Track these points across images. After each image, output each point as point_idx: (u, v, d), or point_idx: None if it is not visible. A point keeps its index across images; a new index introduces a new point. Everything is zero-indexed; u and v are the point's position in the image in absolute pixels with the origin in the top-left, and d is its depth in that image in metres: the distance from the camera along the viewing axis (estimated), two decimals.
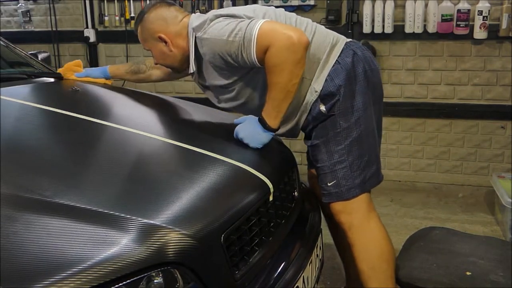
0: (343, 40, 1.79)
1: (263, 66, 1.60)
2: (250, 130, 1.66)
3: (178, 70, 1.92)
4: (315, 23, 1.81)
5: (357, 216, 1.75)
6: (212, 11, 1.75)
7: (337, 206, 1.76)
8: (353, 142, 1.72)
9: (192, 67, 1.80)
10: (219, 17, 1.67)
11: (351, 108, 1.71)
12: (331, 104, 1.70)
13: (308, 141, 1.80)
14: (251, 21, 1.60)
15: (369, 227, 1.77)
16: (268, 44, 1.55)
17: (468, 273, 1.78)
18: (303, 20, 1.80)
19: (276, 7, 3.76)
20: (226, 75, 1.73)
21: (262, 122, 1.66)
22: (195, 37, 1.73)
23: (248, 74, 1.72)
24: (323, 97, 1.71)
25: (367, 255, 1.76)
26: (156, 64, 1.92)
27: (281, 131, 1.82)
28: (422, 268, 1.82)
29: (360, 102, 1.71)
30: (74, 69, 2.22)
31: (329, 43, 1.74)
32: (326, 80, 1.70)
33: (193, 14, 1.81)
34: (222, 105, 1.88)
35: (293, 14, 1.82)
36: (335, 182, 1.73)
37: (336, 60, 1.72)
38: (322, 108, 1.71)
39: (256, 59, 1.59)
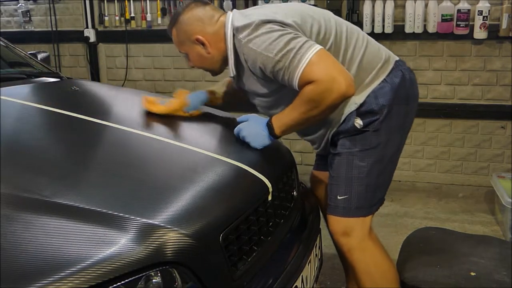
0: (393, 57, 1.74)
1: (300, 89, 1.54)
2: (254, 131, 1.63)
3: (216, 73, 1.79)
4: (364, 33, 1.74)
5: (357, 237, 1.69)
6: (255, 11, 1.65)
7: (338, 227, 1.70)
8: (376, 163, 1.67)
9: (232, 71, 1.68)
10: (266, 23, 1.55)
11: (386, 129, 1.66)
12: (369, 121, 1.64)
13: (331, 147, 1.74)
14: (303, 44, 1.50)
15: (368, 249, 1.71)
16: (315, 79, 1.48)
17: (472, 274, 1.77)
18: (353, 29, 1.71)
19: None
20: (263, 84, 1.66)
21: (269, 127, 1.62)
22: (236, 38, 1.62)
23: (284, 87, 1.62)
24: (362, 112, 1.64)
25: (369, 277, 1.71)
26: (192, 67, 1.80)
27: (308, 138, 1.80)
28: (426, 270, 1.81)
29: (395, 125, 1.67)
30: (183, 104, 1.85)
31: (381, 59, 1.69)
32: (369, 95, 1.64)
33: (230, 11, 1.70)
34: (260, 111, 1.81)
35: (345, 21, 1.73)
36: (347, 197, 1.67)
37: (384, 78, 1.67)
38: (359, 122, 1.64)
39: (297, 85, 1.52)
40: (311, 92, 1.49)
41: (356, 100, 1.64)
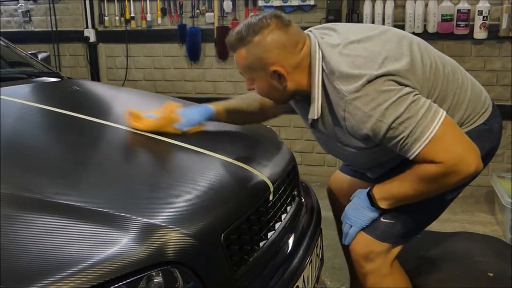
0: (490, 99, 1.58)
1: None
2: (353, 208, 1.52)
3: (280, 103, 1.56)
4: (463, 69, 1.56)
5: (378, 263, 1.54)
6: (356, 49, 1.37)
7: (362, 249, 1.54)
8: (434, 201, 1.49)
9: (318, 112, 1.45)
10: (380, 79, 1.31)
11: None
12: None
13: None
14: (425, 112, 1.29)
15: (387, 276, 1.56)
16: (440, 161, 1.30)
17: (490, 274, 1.75)
18: (455, 67, 1.52)
19: (276, 7, 3.75)
20: (356, 141, 1.45)
21: (370, 198, 1.47)
22: (331, 82, 1.38)
23: (377, 146, 1.44)
24: None
25: None
26: (250, 90, 1.54)
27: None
28: (449, 279, 1.75)
29: None
30: (173, 118, 1.62)
31: (485, 103, 1.54)
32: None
33: (313, 36, 1.44)
34: (331, 154, 1.66)
35: (444, 56, 1.54)
36: (392, 222, 1.50)
37: (484, 122, 1.51)
38: None
39: (412, 158, 1.33)
40: (433, 173, 1.33)
41: None
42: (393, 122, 1.30)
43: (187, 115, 1.64)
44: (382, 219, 1.51)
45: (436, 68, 1.44)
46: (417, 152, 1.31)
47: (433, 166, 1.32)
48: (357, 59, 1.35)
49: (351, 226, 1.54)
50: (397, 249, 1.57)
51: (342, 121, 1.39)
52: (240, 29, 1.42)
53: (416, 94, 1.33)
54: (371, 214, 1.50)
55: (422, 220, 1.58)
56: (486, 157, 1.53)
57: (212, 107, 1.69)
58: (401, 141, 1.32)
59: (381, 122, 1.30)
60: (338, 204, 1.90)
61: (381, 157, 1.52)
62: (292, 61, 1.41)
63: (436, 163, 1.31)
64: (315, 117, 1.46)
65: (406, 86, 1.34)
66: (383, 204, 1.47)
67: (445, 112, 1.33)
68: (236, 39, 1.42)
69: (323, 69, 1.40)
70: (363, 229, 1.54)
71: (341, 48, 1.39)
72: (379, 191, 1.47)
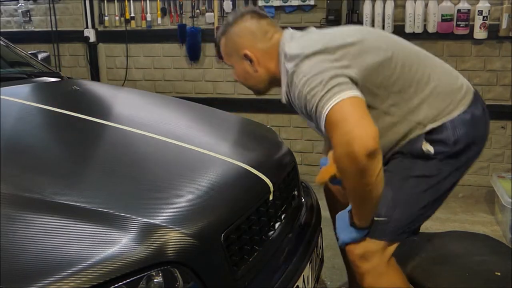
0: (471, 87, 1.60)
1: None
2: (340, 224, 1.54)
3: (260, 93, 1.69)
4: (440, 60, 1.62)
5: (374, 262, 1.55)
6: (311, 37, 1.51)
7: (357, 249, 1.54)
8: (428, 193, 1.52)
9: (284, 96, 1.54)
10: (314, 56, 1.40)
11: (452, 163, 1.52)
12: (440, 150, 1.49)
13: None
14: (328, 91, 1.33)
15: (384, 275, 1.57)
16: (332, 142, 1.34)
17: (497, 274, 1.75)
18: (427, 56, 1.59)
19: (276, 7, 3.74)
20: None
21: (350, 216, 1.50)
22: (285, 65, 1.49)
23: None
24: (435, 139, 1.49)
25: None
26: (236, 81, 1.68)
27: None
28: (460, 281, 1.74)
29: (461, 161, 1.54)
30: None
31: (461, 89, 1.55)
32: (446, 124, 1.49)
33: (286, 30, 1.58)
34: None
35: (422, 50, 1.60)
36: (386, 220, 1.52)
37: (465, 109, 1.52)
38: (429, 148, 1.49)
39: (323, 129, 1.38)
40: (335, 159, 1.36)
41: (429, 125, 1.50)
42: (308, 93, 1.37)
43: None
44: (375, 218, 1.51)
45: (392, 58, 1.48)
46: (323, 125, 1.35)
47: (333, 152, 1.36)
48: (303, 43, 1.47)
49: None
50: (393, 247, 1.57)
51: (290, 98, 1.50)
52: (223, 25, 1.65)
53: (338, 72, 1.37)
54: (351, 233, 1.51)
55: (412, 216, 1.56)
56: (475, 144, 1.55)
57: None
58: (314, 114, 1.38)
59: (303, 94, 1.39)
60: (334, 203, 1.92)
61: None
62: (261, 47, 1.57)
63: (335, 145, 1.33)
64: (284, 101, 1.56)
65: (336, 61, 1.40)
66: (355, 220, 1.48)
67: (353, 93, 1.33)
68: (220, 32, 1.65)
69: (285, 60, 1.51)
70: None
71: (298, 39, 1.53)
72: (352, 211, 1.48)
